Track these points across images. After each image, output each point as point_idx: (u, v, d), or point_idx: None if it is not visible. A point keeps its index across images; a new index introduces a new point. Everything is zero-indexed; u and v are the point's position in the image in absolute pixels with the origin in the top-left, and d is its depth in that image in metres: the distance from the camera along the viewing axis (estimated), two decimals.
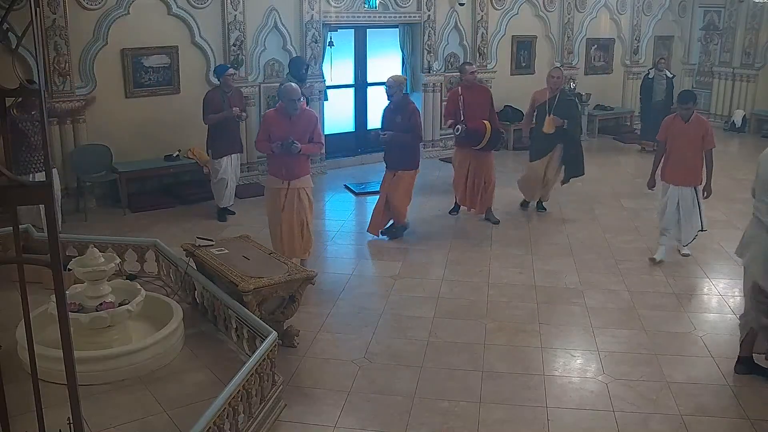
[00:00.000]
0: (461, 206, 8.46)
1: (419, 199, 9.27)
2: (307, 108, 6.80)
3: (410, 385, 4.68)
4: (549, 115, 8.05)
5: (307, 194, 6.42)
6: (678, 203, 6.80)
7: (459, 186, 8.32)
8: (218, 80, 8.26)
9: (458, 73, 8.83)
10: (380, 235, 7.59)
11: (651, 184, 7.18)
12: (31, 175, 6.76)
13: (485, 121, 7.85)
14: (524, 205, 8.77)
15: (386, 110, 7.53)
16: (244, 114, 8.33)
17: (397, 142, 7.29)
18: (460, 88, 8.17)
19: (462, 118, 7.85)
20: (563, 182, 8.63)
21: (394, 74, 7.79)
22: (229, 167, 8.21)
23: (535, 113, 8.39)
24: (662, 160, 6.91)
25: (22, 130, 6.74)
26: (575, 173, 8.51)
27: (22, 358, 4.27)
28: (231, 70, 8.26)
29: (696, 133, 6.67)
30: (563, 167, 8.45)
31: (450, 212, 8.52)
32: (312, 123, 6.38)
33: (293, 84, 6.45)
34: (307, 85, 9.13)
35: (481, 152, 8.01)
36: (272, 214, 6.46)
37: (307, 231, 6.46)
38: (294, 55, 9.70)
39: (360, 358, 5.04)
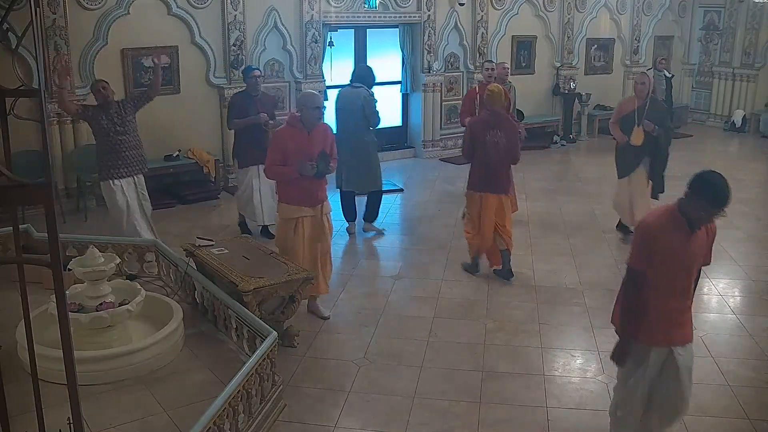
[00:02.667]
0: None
1: (419, 199, 9.29)
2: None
3: (410, 385, 4.68)
4: (637, 126, 7.13)
5: (329, 220, 5.67)
6: (661, 372, 3.68)
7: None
8: (244, 82, 7.65)
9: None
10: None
11: (622, 358, 3.71)
12: (112, 181, 6.36)
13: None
14: (621, 227, 7.73)
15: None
16: (271, 122, 7.33)
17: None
18: (477, 87, 7.80)
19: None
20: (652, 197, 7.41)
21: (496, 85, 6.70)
22: (257, 179, 7.32)
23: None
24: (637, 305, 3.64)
25: (105, 131, 6.31)
26: (660, 190, 7.46)
27: (22, 358, 4.27)
28: (256, 72, 7.51)
29: (704, 247, 3.67)
30: (650, 184, 7.37)
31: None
32: (330, 137, 5.54)
33: (314, 91, 5.52)
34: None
35: None
36: (292, 248, 5.46)
37: (329, 261, 5.76)
38: (360, 64, 9.17)
39: (360, 358, 5.04)
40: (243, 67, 8.64)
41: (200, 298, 5.32)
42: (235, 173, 7.87)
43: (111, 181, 6.38)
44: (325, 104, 5.26)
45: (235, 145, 7.67)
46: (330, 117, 7.27)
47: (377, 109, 7.44)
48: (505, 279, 6.48)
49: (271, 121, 7.35)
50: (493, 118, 6.29)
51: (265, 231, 7.53)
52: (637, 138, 7.18)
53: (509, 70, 8.53)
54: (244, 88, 7.68)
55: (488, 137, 6.24)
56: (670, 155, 7.44)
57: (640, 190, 7.35)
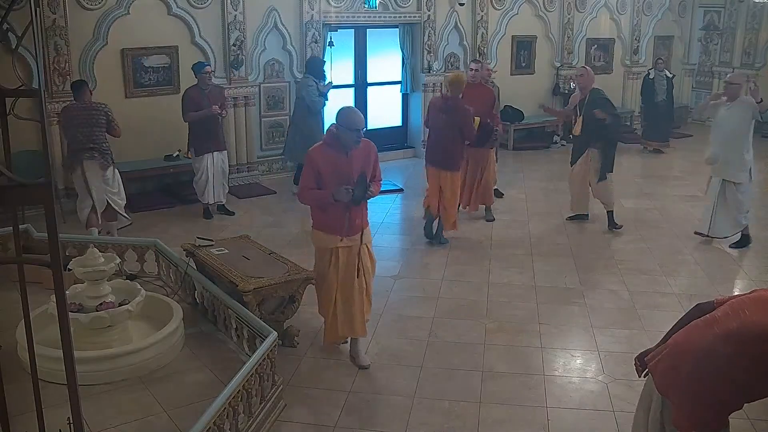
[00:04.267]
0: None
1: (419, 199, 9.26)
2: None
3: (410, 385, 4.68)
4: (578, 117, 7.76)
5: (370, 250, 5.00)
6: None
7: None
8: (195, 77, 8.07)
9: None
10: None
11: None
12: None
13: (475, 117, 7.68)
14: (573, 218, 8.22)
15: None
16: (224, 112, 8.19)
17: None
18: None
19: None
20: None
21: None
22: (211, 164, 8.09)
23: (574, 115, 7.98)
24: None
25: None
26: (608, 170, 7.85)
27: (22, 358, 4.27)
28: (208, 68, 8.12)
29: None
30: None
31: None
32: (373, 155, 4.83)
33: (355, 108, 4.97)
34: (326, 82, 9.19)
35: (473, 148, 7.82)
36: (329, 282, 4.85)
37: (368, 298, 5.03)
38: (310, 56, 9.72)
39: None
40: (195, 63, 8.54)
41: (200, 298, 5.32)
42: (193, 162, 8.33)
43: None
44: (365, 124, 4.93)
45: (190, 135, 8.13)
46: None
47: (315, 97, 8.84)
48: (438, 242, 7.40)
49: (223, 111, 8.17)
50: (445, 102, 7.19)
51: (222, 208, 8.42)
52: (576, 128, 7.82)
53: (491, 72, 9.20)
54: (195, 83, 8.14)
55: (436, 117, 7.18)
56: (618, 141, 8.24)
57: (584, 173, 7.94)
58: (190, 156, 8.96)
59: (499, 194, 9.05)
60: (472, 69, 8.21)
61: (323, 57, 10.12)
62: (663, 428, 3.15)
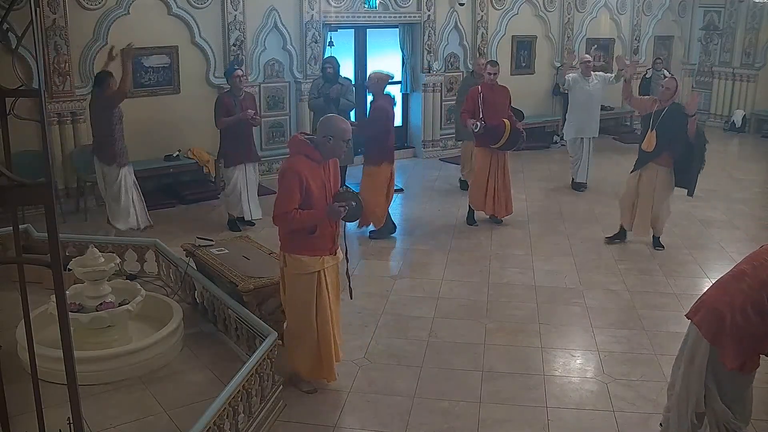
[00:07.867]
0: (482, 213, 8.10)
1: (419, 199, 9.28)
2: None
3: (410, 385, 4.68)
4: (650, 131, 6.90)
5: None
6: None
7: (479, 191, 7.99)
8: (228, 83, 7.77)
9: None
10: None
11: None
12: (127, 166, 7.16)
13: (505, 120, 7.69)
14: (616, 237, 7.49)
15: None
16: (258, 117, 7.74)
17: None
18: (480, 86, 7.95)
19: (480, 116, 7.64)
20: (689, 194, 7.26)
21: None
22: (243, 177, 7.64)
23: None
24: None
25: (119, 118, 6.96)
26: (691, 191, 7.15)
27: (22, 358, 4.27)
28: (239, 71, 7.71)
29: None
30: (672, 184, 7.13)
31: (468, 223, 8.10)
32: (338, 166, 4.53)
33: (343, 118, 4.59)
34: (341, 84, 8.32)
35: (501, 152, 7.82)
36: (322, 312, 4.37)
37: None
38: (328, 57, 9.32)
39: (360, 358, 5.03)
40: (227, 67, 8.56)
41: (200, 298, 5.33)
42: (219, 172, 8.08)
43: (128, 167, 7.17)
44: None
45: (221, 144, 7.76)
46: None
47: (313, 97, 8.48)
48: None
49: (257, 116, 7.69)
50: None
51: (233, 222, 7.85)
52: (648, 143, 6.94)
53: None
54: (228, 89, 7.83)
55: None
56: (705, 160, 7.05)
57: (647, 191, 7.11)
58: (190, 156, 8.99)
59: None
60: (490, 72, 7.86)
61: (323, 57, 10.11)
62: (707, 375, 3.58)
